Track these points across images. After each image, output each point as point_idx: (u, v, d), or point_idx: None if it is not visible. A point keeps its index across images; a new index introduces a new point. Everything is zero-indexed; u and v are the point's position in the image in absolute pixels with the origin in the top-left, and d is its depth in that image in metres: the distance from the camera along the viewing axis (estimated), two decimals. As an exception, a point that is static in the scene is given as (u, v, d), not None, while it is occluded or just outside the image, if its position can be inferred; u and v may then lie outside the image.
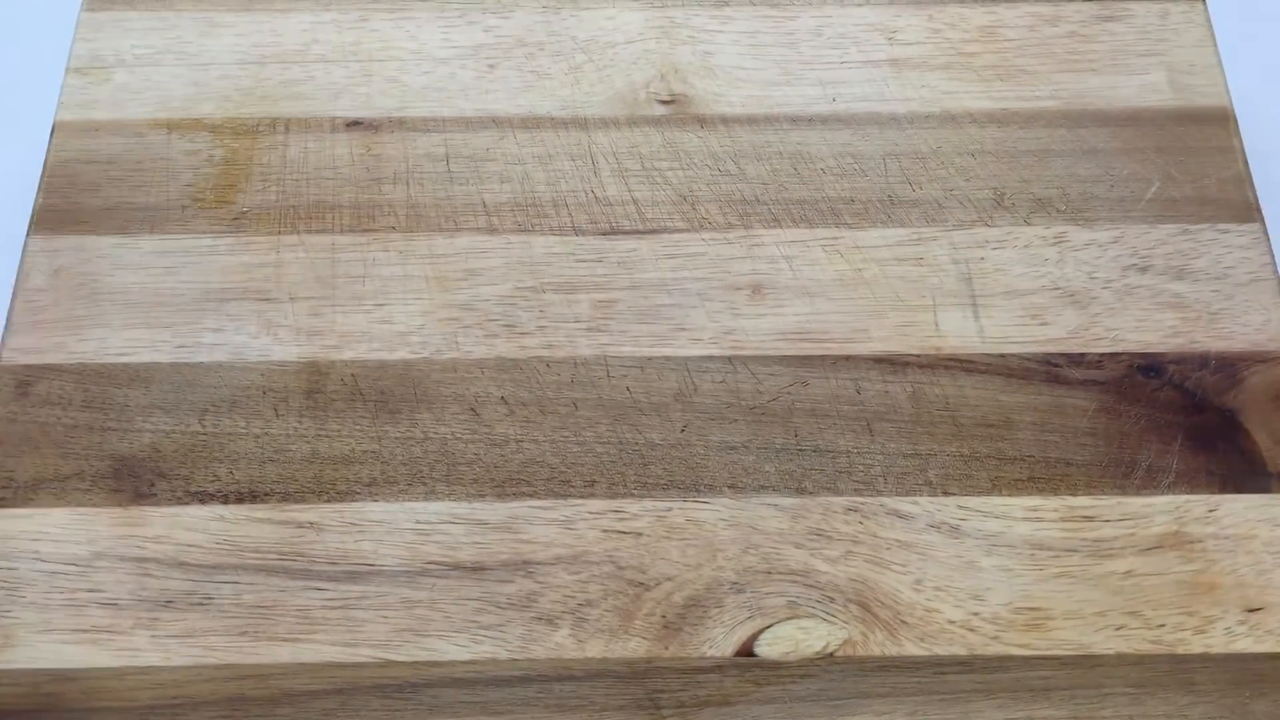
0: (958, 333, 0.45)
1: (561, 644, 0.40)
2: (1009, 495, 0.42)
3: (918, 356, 0.45)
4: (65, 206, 0.47)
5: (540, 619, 0.40)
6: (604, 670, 0.39)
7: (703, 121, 0.50)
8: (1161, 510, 0.42)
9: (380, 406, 0.44)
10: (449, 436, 0.43)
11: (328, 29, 0.51)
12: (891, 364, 0.44)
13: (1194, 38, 0.50)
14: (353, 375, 0.44)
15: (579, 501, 0.42)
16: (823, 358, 0.44)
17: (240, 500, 0.42)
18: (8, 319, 0.45)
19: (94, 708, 0.39)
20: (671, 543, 0.41)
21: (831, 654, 0.40)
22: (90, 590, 0.40)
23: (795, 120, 0.50)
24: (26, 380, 0.44)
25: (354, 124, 0.48)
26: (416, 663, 0.39)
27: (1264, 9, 0.57)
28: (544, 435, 0.43)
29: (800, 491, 0.42)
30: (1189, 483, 0.42)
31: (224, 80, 0.49)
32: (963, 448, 0.43)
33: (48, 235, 0.46)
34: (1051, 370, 0.44)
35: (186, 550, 0.41)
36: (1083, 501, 0.42)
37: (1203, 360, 0.44)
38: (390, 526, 0.41)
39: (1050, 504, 0.42)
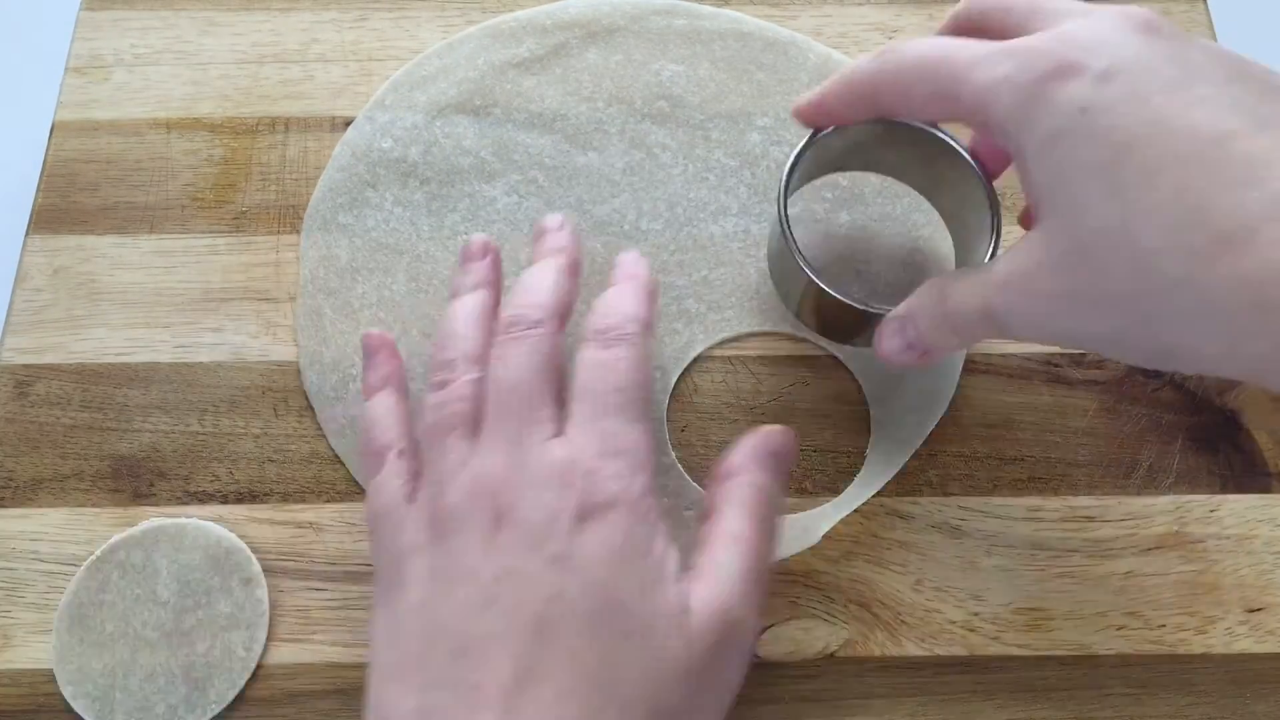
0: (958, 333, 0.45)
1: (561, 644, 0.39)
2: (1009, 495, 0.42)
3: (918, 356, 0.45)
4: (64, 206, 0.47)
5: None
6: (604, 670, 0.39)
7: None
8: (1162, 510, 0.42)
9: (380, 406, 0.44)
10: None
11: (327, 28, 0.51)
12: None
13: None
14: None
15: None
16: (823, 358, 0.44)
17: (240, 500, 0.42)
18: (7, 319, 0.45)
19: (93, 708, 0.39)
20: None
21: (832, 654, 0.40)
22: (90, 590, 0.40)
23: (795, 120, 0.50)
24: (26, 380, 0.44)
25: (353, 123, 0.48)
26: (416, 663, 0.39)
27: (1264, 9, 0.57)
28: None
29: (801, 492, 0.42)
30: (1189, 483, 0.42)
31: (223, 79, 0.49)
32: (963, 448, 0.43)
33: (47, 235, 0.46)
34: (1052, 370, 0.44)
35: (186, 550, 0.41)
36: (1083, 501, 0.42)
37: (1203, 360, 0.44)
38: (390, 526, 0.41)
39: (1050, 504, 0.42)
